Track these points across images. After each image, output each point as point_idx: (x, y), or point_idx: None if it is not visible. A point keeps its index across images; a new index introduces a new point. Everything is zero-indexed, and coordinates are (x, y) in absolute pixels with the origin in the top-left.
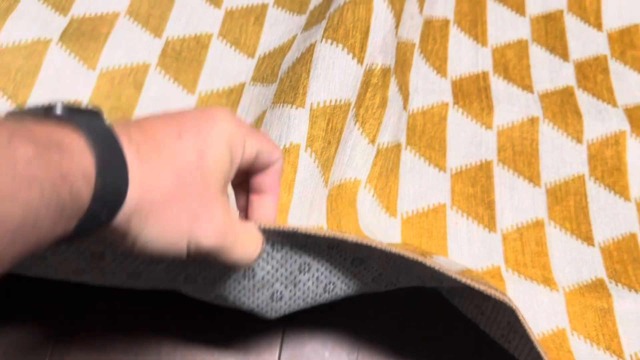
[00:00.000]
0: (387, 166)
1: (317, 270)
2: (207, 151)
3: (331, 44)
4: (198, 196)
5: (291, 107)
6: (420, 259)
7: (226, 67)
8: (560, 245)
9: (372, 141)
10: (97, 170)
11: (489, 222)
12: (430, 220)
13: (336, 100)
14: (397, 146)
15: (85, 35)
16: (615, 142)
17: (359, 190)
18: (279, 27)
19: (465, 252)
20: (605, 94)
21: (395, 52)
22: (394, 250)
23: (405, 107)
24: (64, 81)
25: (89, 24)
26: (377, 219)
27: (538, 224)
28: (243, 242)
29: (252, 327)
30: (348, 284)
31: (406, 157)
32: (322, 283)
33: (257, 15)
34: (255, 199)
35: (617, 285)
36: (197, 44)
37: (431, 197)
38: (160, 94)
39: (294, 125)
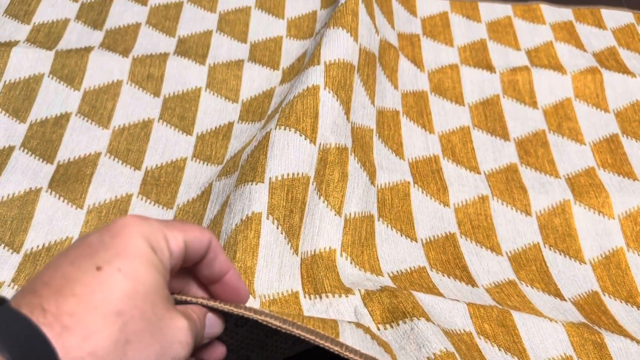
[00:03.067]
0: (358, 235)
1: (285, 332)
2: (135, 266)
3: (284, 129)
4: (153, 321)
5: (251, 184)
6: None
7: (200, 180)
8: (538, 299)
9: (339, 212)
10: None
11: (469, 280)
12: (416, 278)
13: (294, 174)
14: (370, 217)
15: (71, 179)
16: (562, 211)
17: (336, 258)
18: (243, 136)
19: (461, 297)
20: (547, 166)
21: (350, 134)
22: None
23: (372, 182)
24: (55, 223)
25: (74, 167)
26: (363, 279)
27: (512, 283)
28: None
29: None
30: None
31: (380, 228)
32: (290, 339)
33: (225, 132)
34: (217, 288)
35: (600, 328)
36: (173, 169)
37: (410, 262)
38: None
39: (255, 198)
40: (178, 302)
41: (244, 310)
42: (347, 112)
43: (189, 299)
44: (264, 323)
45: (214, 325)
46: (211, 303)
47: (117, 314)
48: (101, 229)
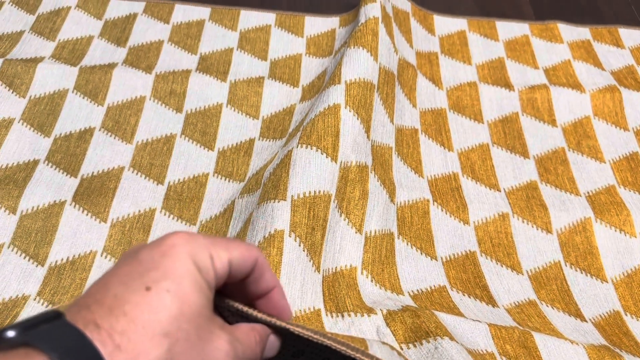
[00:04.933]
0: (379, 253)
1: (311, 352)
2: (182, 287)
3: (306, 147)
4: (196, 343)
5: (274, 202)
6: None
7: (222, 197)
8: (559, 319)
9: (359, 230)
10: None
11: (490, 300)
12: (436, 297)
13: (315, 192)
14: (390, 235)
15: (94, 192)
16: (583, 228)
17: (357, 276)
18: (264, 153)
19: (482, 317)
20: (568, 183)
21: (370, 152)
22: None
23: (392, 200)
24: (79, 236)
25: (98, 181)
26: (384, 297)
27: (532, 303)
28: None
29: None
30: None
31: (400, 246)
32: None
33: (246, 149)
34: (261, 304)
35: (621, 351)
36: (196, 184)
37: (430, 280)
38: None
39: (277, 215)
40: (242, 316)
41: (286, 324)
42: (367, 130)
43: (254, 314)
44: (296, 332)
45: (273, 347)
46: (269, 318)
47: (165, 335)
48: (151, 246)
